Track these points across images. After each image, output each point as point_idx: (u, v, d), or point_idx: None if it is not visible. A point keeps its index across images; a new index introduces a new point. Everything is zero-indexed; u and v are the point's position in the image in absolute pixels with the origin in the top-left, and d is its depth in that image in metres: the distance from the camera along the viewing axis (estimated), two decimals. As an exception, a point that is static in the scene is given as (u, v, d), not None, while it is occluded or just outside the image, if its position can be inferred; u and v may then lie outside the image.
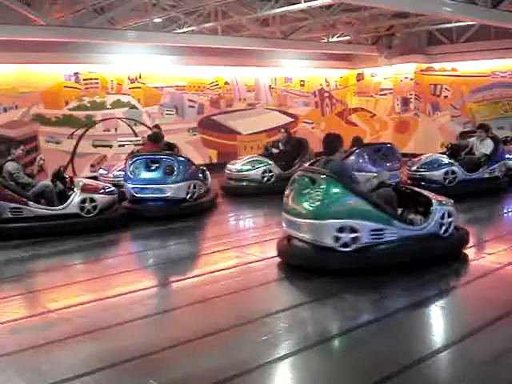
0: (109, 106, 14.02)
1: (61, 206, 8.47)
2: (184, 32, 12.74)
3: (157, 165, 9.72)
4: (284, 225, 6.76)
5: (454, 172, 10.59)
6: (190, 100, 15.37)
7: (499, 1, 10.16)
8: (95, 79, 13.82)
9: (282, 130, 12.67)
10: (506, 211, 10.36)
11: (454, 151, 11.07)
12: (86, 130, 11.45)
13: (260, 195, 11.35)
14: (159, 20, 12.40)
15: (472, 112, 15.73)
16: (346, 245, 6.09)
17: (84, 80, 13.66)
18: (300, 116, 17.74)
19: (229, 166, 11.98)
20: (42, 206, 8.41)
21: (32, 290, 6.24)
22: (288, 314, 5.24)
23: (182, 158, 10.15)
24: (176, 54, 14.21)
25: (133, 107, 14.37)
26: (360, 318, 5.08)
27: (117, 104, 14.13)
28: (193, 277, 6.61)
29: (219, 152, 15.75)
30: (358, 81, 18.51)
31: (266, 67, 16.52)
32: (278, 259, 6.83)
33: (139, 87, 14.47)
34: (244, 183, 11.73)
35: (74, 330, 4.82)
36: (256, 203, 11.04)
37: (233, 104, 16.26)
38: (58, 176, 8.89)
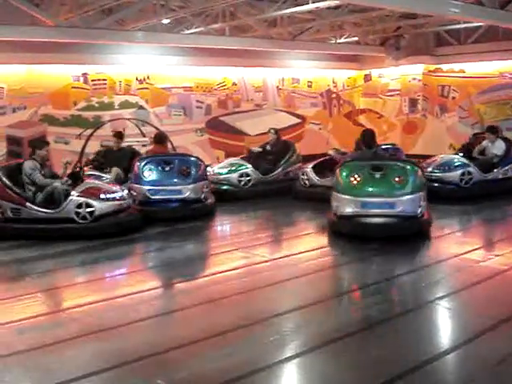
0: (117, 107, 14.05)
1: (55, 210, 8.20)
2: (192, 33, 12.75)
3: (171, 166, 9.66)
4: (352, 207, 7.85)
5: (470, 173, 10.59)
6: (197, 101, 15.38)
7: (507, 2, 10.13)
8: (103, 80, 13.86)
9: (272, 131, 12.36)
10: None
11: (467, 152, 11.04)
12: (95, 131, 11.46)
13: (237, 200, 11.01)
14: (167, 21, 12.40)
15: (480, 113, 15.68)
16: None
17: (92, 81, 13.70)
18: (307, 117, 17.72)
19: (208, 168, 11.22)
20: (37, 208, 8.21)
21: (42, 289, 6.27)
22: (295, 314, 5.26)
23: (194, 159, 10.15)
24: (184, 55, 14.23)
25: (141, 108, 14.40)
26: (367, 319, 5.07)
27: (125, 105, 14.16)
28: (200, 277, 6.63)
29: (227, 153, 15.75)
30: (365, 82, 18.48)
31: (274, 68, 16.51)
32: (285, 260, 6.86)
33: (147, 88, 14.50)
34: (223, 187, 11.27)
35: (81, 330, 4.84)
36: (254, 205, 10.87)
37: (240, 105, 16.26)
38: (75, 176, 8.69)
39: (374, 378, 3.94)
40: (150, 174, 9.52)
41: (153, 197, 9.44)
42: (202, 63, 14.85)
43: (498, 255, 7.02)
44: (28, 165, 8.41)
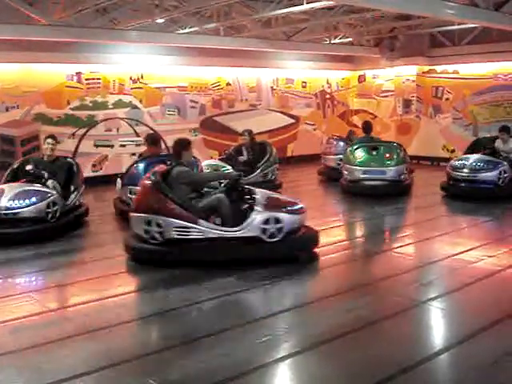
0: (110, 106, 14.01)
1: (238, 228, 6.71)
2: (186, 33, 12.74)
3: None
4: (358, 174, 11.44)
5: (505, 172, 10.66)
6: (191, 100, 15.36)
7: (501, 3, 10.16)
8: (97, 79, 13.82)
9: (246, 134, 12.22)
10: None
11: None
12: (88, 130, 11.44)
13: None
14: (161, 20, 12.37)
15: (474, 114, 15.72)
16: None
17: (86, 80, 13.66)
18: (301, 117, 17.74)
19: None
20: (214, 226, 6.71)
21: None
22: (288, 315, 5.25)
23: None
24: (178, 55, 14.22)
25: (134, 107, 14.37)
26: (359, 320, 5.07)
27: (119, 104, 14.12)
28: (193, 277, 6.61)
29: (221, 153, 15.74)
30: (359, 82, 18.51)
31: (268, 68, 16.52)
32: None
33: (141, 87, 14.47)
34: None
35: (74, 330, 4.83)
36: None
37: (234, 105, 16.26)
38: (234, 186, 7.21)
39: (367, 379, 3.94)
40: None
41: None
42: (197, 63, 14.84)
43: (490, 256, 7.03)
44: (180, 170, 6.97)
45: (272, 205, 6.91)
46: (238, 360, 4.24)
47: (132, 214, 7.04)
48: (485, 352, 4.32)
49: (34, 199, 8.15)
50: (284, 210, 6.88)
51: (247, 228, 6.67)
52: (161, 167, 7.38)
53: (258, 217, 6.69)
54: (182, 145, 7.18)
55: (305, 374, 4.09)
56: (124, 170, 10.08)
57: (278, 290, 6.08)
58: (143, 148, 10.81)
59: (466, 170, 10.79)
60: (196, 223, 6.60)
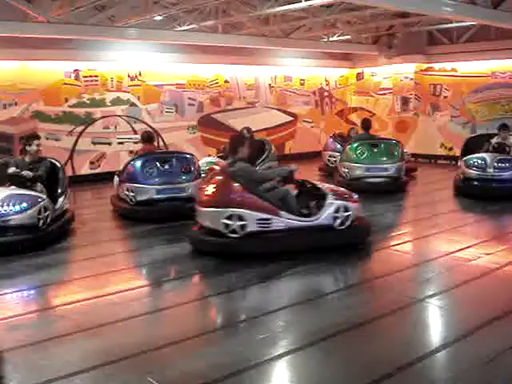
0: (108, 104, 14.00)
1: (314, 217, 7.05)
2: (184, 30, 12.72)
3: (170, 163, 9.51)
4: (360, 172, 11.47)
5: None
6: (189, 98, 15.35)
7: (500, 1, 10.16)
8: (95, 76, 13.80)
9: (245, 131, 12.12)
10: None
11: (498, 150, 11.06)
12: (86, 128, 11.41)
13: None
14: (159, 18, 12.37)
15: (472, 112, 15.72)
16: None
17: (84, 77, 13.64)
18: (300, 115, 17.74)
19: None
20: (293, 217, 6.94)
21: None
22: (286, 312, 5.25)
23: (189, 156, 10.07)
24: (176, 52, 14.20)
25: (132, 105, 14.36)
26: (357, 317, 5.07)
27: (116, 101, 14.11)
28: (190, 275, 6.62)
29: (218, 150, 15.72)
30: (357, 80, 18.50)
31: (266, 66, 16.52)
32: (273, 257, 6.85)
33: (139, 85, 14.46)
34: None
35: (71, 327, 4.82)
36: None
37: (232, 102, 16.25)
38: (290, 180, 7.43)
39: (365, 376, 3.94)
40: (151, 172, 9.34)
41: (157, 196, 9.22)
42: (195, 60, 14.83)
43: (488, 254, 7.04)
44: (243, 166, 7.04)
45: (338, 194, 7.31)
46: (235, 357, 4.24)
47: (204, 209, 7.00)
48: (482, 349, 4.32)
49: (24, 204, 7.38)
50: (350, 199, 7.33)
51: (322, 217, 7.02)
52: (220, 163, 7.51)
53: (330, 206, 7.06)
54: (239, 141, 7.35)
55: (303, 372, 4.09)
56: (121, 168, 10.05)
57: (274, 287, 6.09)
58: (141, 145, 10.80)
59: (490, 170, 10.58)
60: (277, 214, 6.80)
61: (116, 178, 9.95)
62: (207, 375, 3.95)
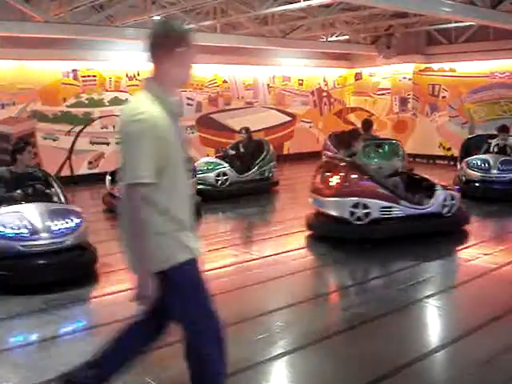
0: (107, 104, 13.98)
1: (428, 205, 7.75)
2: (183, 30, 12.69)
3: None
4: None
5: None
6: (188, 98, 15.33)
7: (498, 2, 10.16)
8: (93, 76, 13.78)
9: (243, 132, 12.14)
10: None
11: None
12: (84, 127, 11.37)
13: (213, 199, 10.70)
14: (158, 17, 12.34)
15: (470, 113, 15.73)
16: None
17: (82, 77, 13.62)
18: (298, 115, 17.73)
19: None
20: (411, 205, 7.66)
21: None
22: (284, 312, 5.25)
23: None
24: (174, 52, 14.17)
25: (131, 105, 14.31)
26: (356, 317, 5.07)
27: (115, 101, 14.08)
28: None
29: (217, 150, 15.72)
30: (356, 80, 18.50)
31: (265, 66, 16.50)
32: (274, 258, 6.86)
33: (137, 85, 14.42)
34: (199, 186, 10.62)
35: (71, 327, 4.81)
36: (234, 203, 10.77)
37: (231, 102, 16.24)
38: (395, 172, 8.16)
39: (363, 376, 3.94)
40: None
41: None
42: (193, 60, 14.79)
43: (486, 254, 7.04)
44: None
45: (444, 185, 7.99)
46: (234, 357, 4.23)
47: (329, 199, 7.59)
48: (481, 350, 4.32)
49: (76, 220, 6.19)
50: (453, 189, 8.06)
51: (434, 205, 7.72)
52: (335, 156, 8.38)
53: (440, 195, 7.76)
54: (353, 136, 8.31)
55: (301, 371, 4.08)
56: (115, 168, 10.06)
57: (273, 288, 6.08)
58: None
59: (494, 171, 10.51)
60: (397, 203, 7.53)
61: (108, 178, 9.97)
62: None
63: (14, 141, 6.92)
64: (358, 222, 7.45)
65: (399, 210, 7.54)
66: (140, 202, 2.74)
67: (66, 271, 5.97)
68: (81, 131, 13.58)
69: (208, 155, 14.10)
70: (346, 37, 15.58)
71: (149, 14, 11.54)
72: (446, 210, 7.83)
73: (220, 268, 6.61)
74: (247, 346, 4.44)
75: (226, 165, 11.32)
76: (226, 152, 12.06)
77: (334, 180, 7.72)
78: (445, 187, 7.98)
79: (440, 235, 7.73)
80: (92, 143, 13.78)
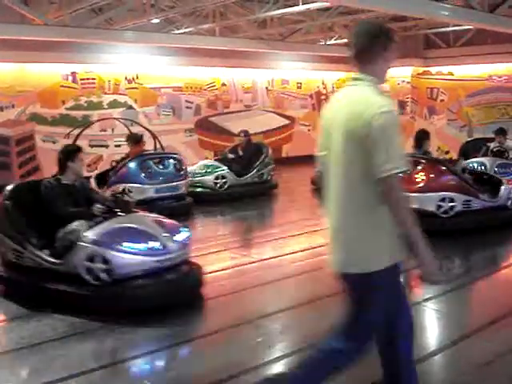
0: (105, 106, 14.00)
1: (497, 199, 8.24)
2: (182, 33, 12.74)
3: (163, 163, 9.83)
4: None
5: None
6: (186, 101, 15.35)
7: (496, 6, 10.20)
8: (92, 79, 13.80)
9: (242, 135, 12.11)
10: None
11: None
12: (83, 130, 11.37)
13: (212, 202, 10.75)
14: (157, 21, 12.38)
15: (468, 116, 15.76)
16: None
17: (81, 80, 13.64)
18: (297, 118, 17.75)
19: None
20: (488, 199, 8.14)
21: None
22: (283, 315, 5.25)
23: (178, 156, 10.25)
24: (173, 55, 14.20)
25: (130, 108, 14.35)
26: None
27: (113, 104, 14.10)
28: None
29: (216, 153, 15.73)
30: (354, 83, 18.51)
31: (264, 69, 16.51)
32: (273, 261, 6.86)
33: (136, 88, 14.46)
34: (197, 189, 10.87)
35: (69, 330, 4.82)
36: (232, 207, 10.76)
37: (230, 105, 16.26)
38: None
39: (362, 380, 3.94)
40: (150, 172, 9.59)
41: (156, 194, 9.49)
42: (192, 63, 14.84)
43: (484, 256, 7.05)
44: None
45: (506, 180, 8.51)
46: (233, 360, 4.24)
47: (416, 194, 7.61)
48: (479, 353, 4.33)
49: (185, 232, 5.85)
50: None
51: (503, 198, 8.19)
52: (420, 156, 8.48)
53: (506, 190, 8.24)
54: (422, 136, 8.95)
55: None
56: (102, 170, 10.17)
57: (272, 290, 6.09)
58: (130, 151, 10.71)
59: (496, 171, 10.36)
60: (477, 196, 7.98)
61: (92, 181, 9.92)
62: (204, 378, 3.95)
63: (64, 146, 5.62)
64: (444, 216, 7.82)
65: (477, 203, 7.97)
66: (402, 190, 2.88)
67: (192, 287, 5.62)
68: (79, 134, 13.56)
69: (207, 158, 14.13)
70: (345, 40, 15.60)
71: (148, 18, 11.58)
72: (509, 202, 8.34)
73: (218, 271, 6.61)
74: (246, 349, 4.44)
75: (225, 168, 11.33)
76: (224, 155, 12.07)
77: (421, 177, 8.08)
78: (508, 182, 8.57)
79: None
80: (91, 146, 13.78)
